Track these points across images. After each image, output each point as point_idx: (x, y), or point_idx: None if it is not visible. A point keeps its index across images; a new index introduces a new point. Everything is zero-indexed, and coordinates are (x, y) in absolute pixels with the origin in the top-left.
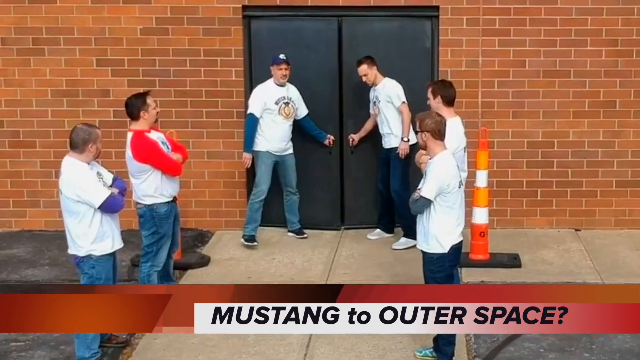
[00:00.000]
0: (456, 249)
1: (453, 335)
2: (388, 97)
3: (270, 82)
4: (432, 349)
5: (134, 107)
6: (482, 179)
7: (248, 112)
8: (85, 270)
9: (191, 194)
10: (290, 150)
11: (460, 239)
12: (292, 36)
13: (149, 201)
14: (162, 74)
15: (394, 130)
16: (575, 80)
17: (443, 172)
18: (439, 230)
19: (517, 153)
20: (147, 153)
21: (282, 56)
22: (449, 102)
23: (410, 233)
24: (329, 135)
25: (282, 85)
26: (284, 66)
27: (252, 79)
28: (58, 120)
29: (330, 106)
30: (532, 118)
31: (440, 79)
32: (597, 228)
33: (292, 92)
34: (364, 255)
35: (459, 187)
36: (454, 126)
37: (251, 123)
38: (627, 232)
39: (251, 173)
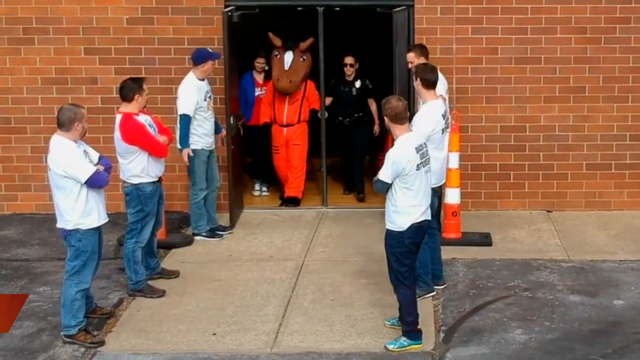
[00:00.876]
0: (418, 227)
1: (414, 306)
2: None
3: (194, 79)
4: (398, 319)
5: (130, 89)
6: (454, 160)
7: (181, 113)
8: (72, 243)
9: (177, 178)
10: (215, 145)
11: (423, 218)
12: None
13: (135, 180)
14: (148, 62)
15: None
16: (546, 66)
17: (398, 157)
18: (398, 209)
19: (490, 137)
20: (135, 135)
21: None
22: (428, 85)
23: None
24: (223, 131)
25: (202, 80)
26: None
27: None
28: (48, 107)
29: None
30: (505, 103)
31: (424, 62)
32: (568, 209)
33: (208, 84)
34: (342, 236)
35: (418, 170)
36: (430, 109)
37: (187, 123)
38: (597, 213)
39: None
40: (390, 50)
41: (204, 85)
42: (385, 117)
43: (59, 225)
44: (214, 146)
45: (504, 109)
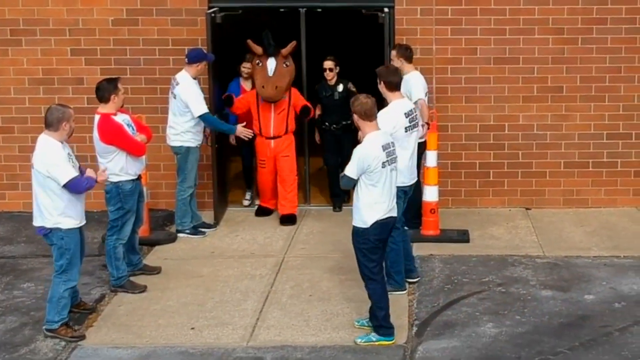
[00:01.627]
0: (383, 224)
1: (384, 301)
2: (408, 91)
3: (190, 79)
4: (368, 319)
5: (105, 90)
6: (431, 159)
7: (202, 113)
8: (54, 241)
9: (161, 176)
10: (200, 142)
11: (388, 215)
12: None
13: (114, 179)
14: (133, 62)
15: None
16: (524, 66)
17: (364, 154)
18: (363, 206)
19: (470, 136)
20: (113, 135)
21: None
22: (392, 87)
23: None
24: (207, 129)
25: (194, 79)
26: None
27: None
28: (35, 107)
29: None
30: (484, 103)
31: (386, 65)
32: (547, 207)
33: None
34: (323, 233)
35: (383, 167)
36: (392, 107)
37: (211, 118)
38: (575, 211)
39: (218, 155)
40: (372, 51)
41: (198, 85)
42: (354, 114)
43: (37, 223)
44: (197, 144)
45: (483, 109)
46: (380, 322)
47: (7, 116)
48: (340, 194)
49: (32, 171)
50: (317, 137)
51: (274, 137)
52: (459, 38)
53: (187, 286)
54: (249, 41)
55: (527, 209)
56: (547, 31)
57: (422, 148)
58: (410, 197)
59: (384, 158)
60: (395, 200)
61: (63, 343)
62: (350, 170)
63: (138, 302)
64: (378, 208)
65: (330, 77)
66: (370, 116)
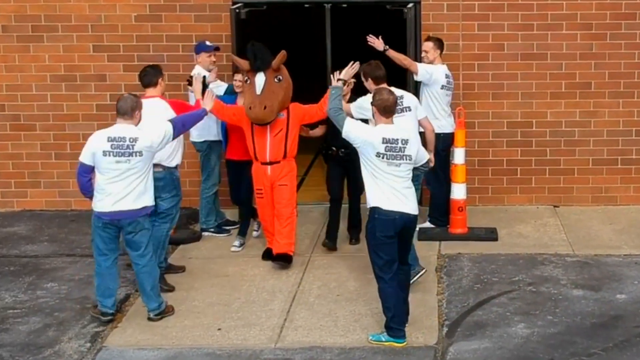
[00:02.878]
0: (386, 220)
1: (390, 301)
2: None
3: (201, 70)
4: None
5: (152, 75)
6: (459, 156)
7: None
8: (146, 225)
9: (185, 174)
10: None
11: (392, 209)
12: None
13: (171, 164)
14: (156, 59)
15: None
16: (552, 62)
17: (368, 128)
18: (367, 197)
19: (497, 133)
20: (182, 106)
21: (208, 42)
22: (379, 81)
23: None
24: None
25: (208, 71)
26: (215, 53)
27: None
28: (57, 104)
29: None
30: (511, 99)
31: (368, 62)
32: (575, 204)
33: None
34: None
35: (379, 158)
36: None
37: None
38: (603, 208)
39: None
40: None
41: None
42: (373, 107)
43: (139, 205)
44: (217, 138)
45: (511, 105)
46: (389, 323)
47: (28, 113)
48: (357, 225)
49: (121, 160)
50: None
51: (270, 163)
52: (486, 34)
53: (212, 286)
54: (234, 56)
55: (555, 206)
56: (575, 26)
57: (447, 141)
58: (438, 195)
59: (380, 149)
60: (406, 199)
61: (88, 344)
62: (350, 118)
63: None
64: (380, 203)
65: (344, 92)
66: (389, 113)
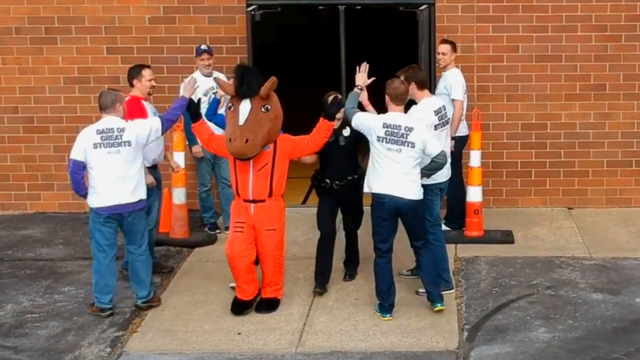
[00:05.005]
0: (378, 202)
1: (379, 278)
2: (448, 86)
3: (197, 74)
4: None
5: (129, 75)
6: (475, 159)
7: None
8: (143, 215)
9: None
10: None
11: (384, 192)
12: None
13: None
14: (170, 61)
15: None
16: (567, 64)
17: (373, 116)
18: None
19: (511, 135)
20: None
21: (203, 47)
22: (423, 86)
23: (450, 224)
24: None
25: (208, 76)
26: (205, 56)
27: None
28: (70, 106)
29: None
30: (526, 101)
31: (409, 66)
32: (589, 206)
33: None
34: (364, 234)
35: (379, 142)
36: (423, 107)
37: (188, 119)
38: (618, 210)
39: None
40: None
41: (209, 81)
42: (386, 96)
43: (135, 198)
44: None
45: (525, 107)
46: (377, 296)
47: (42, 115)
48: (354, 260)
49: (111, 151)
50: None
51: (253, 201)
52: (500, 35)
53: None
54: (218, 78)
55: (569, 208)
56: (590, 28)
57: (461, 144)
58: (452, 198)
59: (382, 134)
60: (401, 184)
61: (109, 349)
62: (358, 113)
63: (182, 307)
64: (375, 184)
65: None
66: (399, 101)
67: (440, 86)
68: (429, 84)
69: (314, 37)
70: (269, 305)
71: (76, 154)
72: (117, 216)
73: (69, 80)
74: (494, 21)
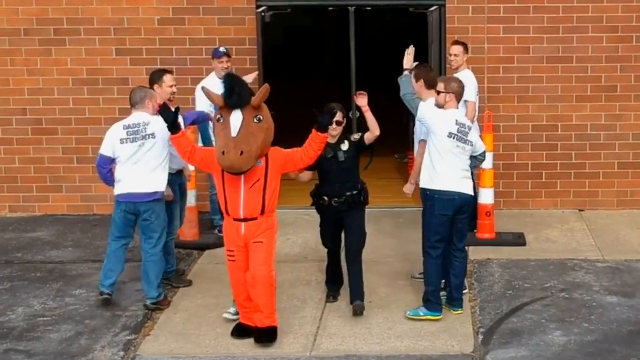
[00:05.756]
0: (446, 200)
1: (434, 277)
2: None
3: (212, 77)
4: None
5: (150, 79)
6: (487, 160)
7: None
8: (162, 216)
9: (207, 178)
10: None
11: (452, 189)
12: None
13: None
14: (179, 62)
15: None
16: (578, 65)
17: (442, 111)
18: (424, 167)
19: (522, 136)
20: None
21: (222, 49)
22: (431, 85)
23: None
24: None
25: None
26: (224, 59)
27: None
28: (79, 108)
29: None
30: (537, 102)
31: (421, 63)
32: (600, 208)
33: None
34: (375, 235)
35: (449, 137)
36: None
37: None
38: (629, 212)
39: None
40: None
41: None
42: (417, 83)
43: (150, 189)
44: None
45: (536, 108)
46: (428, 296)
47: (50, 117)
48: (359, 295)
49: (135, 145)
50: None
51: (244, 220)
52: (511, 36)
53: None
54: (205, 88)
55: (580, 210)
56: (601, 29)
57: None
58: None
59: (453, 130)
60: (466, 180)
61: (122, 353)
62: (423, 103)
63: (194, 310)
64: (440, 177)
65: (336, 131)
66: (432, 87)
67: None
68: None
69: (319, 37)
70: (268, 335)
71: (104, 149)
72: (134, 209)
73: (78, 82)
74: (504, 22)
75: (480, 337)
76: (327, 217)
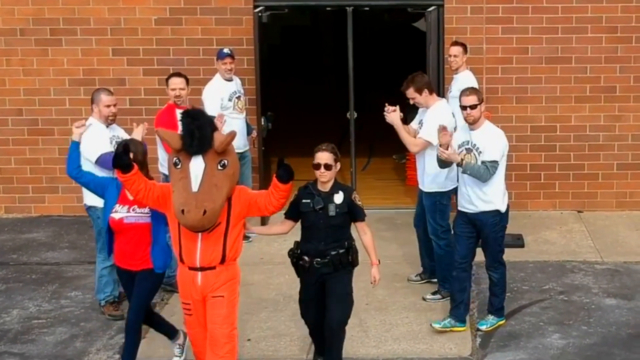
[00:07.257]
0: (460, 212)
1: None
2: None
3: (218, 79)
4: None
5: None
6: None
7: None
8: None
9: None
10: (248, 146)
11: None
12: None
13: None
14: (176, 63)
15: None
16: (577, 66)
17: (500, 141)
18: (499, 192)
19: (520, 137)
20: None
21: (226, 50)
22: (432, 90)
23: None
24: (253, 132)
25: (229, 80)
26: (228, 60)
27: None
28: (75, 109)
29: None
30: (535, 103)
31: (414, 74)
32: (599, 210)
33: (239, 85)
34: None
35: (504, 157)
36: (442, 109)
37: None
38: (628, 214)
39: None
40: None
41: (231, 86)
42: (425, 91)
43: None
44: (245, 148)
45: (535, 109)
46: (455, 302)
47: (47, 117)
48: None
49: None
50: None
51: (201, 269)
52: (509, 37)
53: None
54: (161, 130)
55: (579, 211)
56: (600, 30)
57: None
58: None
59: (506, 151)
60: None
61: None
62: (495, 154)
63: None
64: (504, 197)
65: (326, 177)
66: (433, 89)
67: (454, 88)
68: (438, 87)
69: (317, 37)
70: None
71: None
72: None
73: (74, 82)
74: (503, 22)
75: (479, 340)
76: (307, 282)
